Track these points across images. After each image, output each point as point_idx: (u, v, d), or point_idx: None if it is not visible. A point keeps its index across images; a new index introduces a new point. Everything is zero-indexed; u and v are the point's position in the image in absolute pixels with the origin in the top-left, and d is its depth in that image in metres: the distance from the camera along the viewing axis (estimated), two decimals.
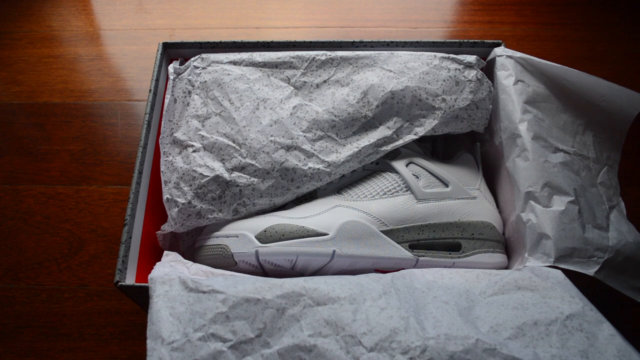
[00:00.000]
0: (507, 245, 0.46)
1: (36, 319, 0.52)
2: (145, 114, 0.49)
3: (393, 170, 0.48)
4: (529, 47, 0.71)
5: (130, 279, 0.41)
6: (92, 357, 0.50)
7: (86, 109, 0.67)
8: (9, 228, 0.58)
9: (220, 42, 0.53)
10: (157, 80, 0.51)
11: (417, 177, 0.47)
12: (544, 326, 0.35)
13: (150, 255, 0.46)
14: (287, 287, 0.36)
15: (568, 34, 0.73)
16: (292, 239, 0.42)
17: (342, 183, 0.49)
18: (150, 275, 0.37)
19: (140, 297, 0.41)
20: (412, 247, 0.44)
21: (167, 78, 0.51)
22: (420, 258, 0.43)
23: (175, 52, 0.54)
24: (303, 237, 0.42)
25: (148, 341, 0.34)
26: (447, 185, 0.47)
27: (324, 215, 0.44)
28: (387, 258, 0.43)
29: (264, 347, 0.34)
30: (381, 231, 0.44)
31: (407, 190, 0.46)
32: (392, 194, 0.46)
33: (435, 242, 0.45)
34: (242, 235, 0.43)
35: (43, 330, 0.51)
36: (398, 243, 0.44)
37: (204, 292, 0.36)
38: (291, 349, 0.33)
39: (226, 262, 0.43)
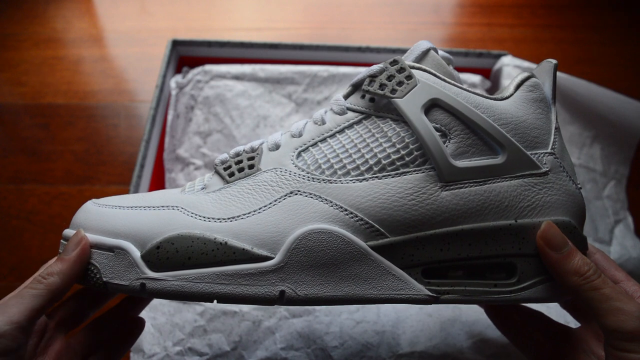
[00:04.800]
0: None
1: None
2: (151, 109, 0.49)
3: (400, 118, 0.27)
4: (527, 49, 0.72)
5: None
6: None
7: (90, 109, 0.68)
8: (14, 227, 0.58)
9: (229, 42, 0.54)
10: (164, 76, 0.51)
11: (446, 135, 0.26)
12: None
13: None
14: None
15: (566, 37, 0.74)
16: (205, 265, 0.24)
17: (306, 135, 0.28)
18: None
19: None
20: (428, 274, 0.26)
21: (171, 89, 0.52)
22: (443, 297, 0.25)
23: (184, 49, 0.54)
24: (225, 262, 0.24)
25: (131, 354, 0.36)
26: (496, 152, 0.26)
27: (266, 214, 0.25)
28: (383, 299, 0.25)
29: None
30: (373, 247, 0.25)
31: (424, 163, 0.26)
32: (396, 169, 0.26)
33: (470, 264, 0.26)
34: (119, 250, 0.25)
35: None
36: (403, 268, 0.25)
37: (184, 303, 0.37)
38: None
39: (97, 289, 0.26)
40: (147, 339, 0.36)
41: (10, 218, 0.59)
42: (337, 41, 0.62)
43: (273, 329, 0.35)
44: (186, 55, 0.55)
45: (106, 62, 0.72)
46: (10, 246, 0.57)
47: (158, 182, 0.49)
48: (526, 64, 0.49)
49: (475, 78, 0.50)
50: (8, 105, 0.68)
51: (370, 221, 0.25)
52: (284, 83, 0.51)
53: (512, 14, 0.76)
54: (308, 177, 0.26)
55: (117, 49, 0.74)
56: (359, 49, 0.53)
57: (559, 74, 0.48)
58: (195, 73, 0.50)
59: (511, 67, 0.50)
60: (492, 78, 0.53)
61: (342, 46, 0.54)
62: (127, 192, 0.61)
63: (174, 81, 0.50)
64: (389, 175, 0.26)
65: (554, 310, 0.31)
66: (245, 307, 0.36)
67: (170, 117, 0.49)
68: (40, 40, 0.74)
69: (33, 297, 0.24)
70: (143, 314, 0.36)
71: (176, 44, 0.54)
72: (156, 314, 0.37)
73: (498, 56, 0.52)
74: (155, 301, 0.37)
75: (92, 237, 0.26)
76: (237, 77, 0.51)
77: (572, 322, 0.31)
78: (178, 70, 0.56)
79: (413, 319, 0.35)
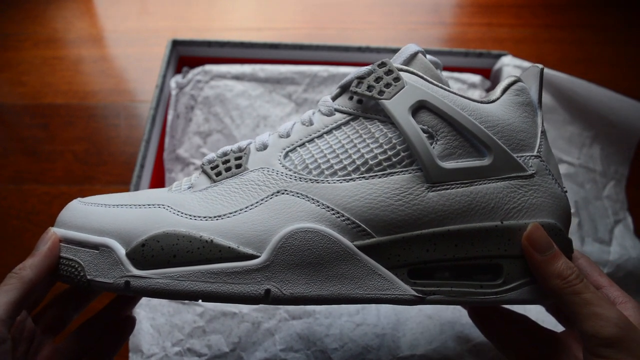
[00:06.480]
0: None
1: None
2: (151, 109, 0.49)
3: (387, 120, 0.27)
4: (526, 49, 0.72)
5: None
6: None
7: (90, 110, 0.68)
8: (14, 227, 0.59)
9: (229, 42, 0.54)
10: (164, 76, 0.52)
11: (433, 137, 0.26)
12: None
13: None
14: None
15: (565, 37, 0.74)
16: (191, 263, 0.24)
17: (294, 135, 0.28)
18: None
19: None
20: (414, 274, 0.26)
21: (171, 90, 0.52)
22: (429, 297, 0.25)
23: (184, 49, 0.54)
24: (211, 260, 0.24)
25: (130, 354, 0.36)
26: (483, 154, 0.27)
27: (252, 213, 0.25)
28: (368, 299, 0.25)
29: None
30: (360, 246, 0.25)
31: (411, 164, 0.26)
32: (383, 169, 0.26)
33: (456, 264, 0.26)
34: (104, 248, 0.25)
35: None
36: (390, 269, 0.25)
37: (183, 304, 0.37)
38: None
39: (80, 288, 0.27)
40: (146, 339, 0.36)
41: (10, 218, 0.59)
42: (337, 41, 0.62)
43: (272, 331, 0.35)
44: (186, 55, 0.55)
45: (106, 62, 0.72)
46: (10, 246, 0.57)
47: (158, 182, 0.49)
48: (526, 64, 0.49)
49: (475, 78, 0.50)
50: (8, 105, 0.68)
51: (357, 221, 0.25)
52: (284, 83, 0.51)
53: (512, 14, 0.76)
54: (295, 176, 0.26)
55: (117, 49, 0.74)
56: (359, 49, 0.53)
57: (558, 74, 0.48)
58: (195, 73, 0.50)
59: (511, 67, 0.50)
60: (492, 78, 0.53)
61: (342, 46, 0.54)
62: (127, 192, 0.61)
63: (174, 81, 0.50)
64: (375, 175, 0.26)
65: (551, 317, 0.31)
66: (244, 309, 0.36)
67: (170, 117, 0.49)
68: (40, 40, 0.74)
69: (7, 292, 0.24)
70: (142, 315, 0.36)
71: (176, 44, 0.54)
72: (155, 315, 0.37)
73: (498, 56, 0.53)
74: (155, 302, 0.37)
75: (77, 235, 0.26)
76: (237, 77, 0.51)
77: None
78: (178, 70, 0.56)
79: (413, 321, 0.35)
